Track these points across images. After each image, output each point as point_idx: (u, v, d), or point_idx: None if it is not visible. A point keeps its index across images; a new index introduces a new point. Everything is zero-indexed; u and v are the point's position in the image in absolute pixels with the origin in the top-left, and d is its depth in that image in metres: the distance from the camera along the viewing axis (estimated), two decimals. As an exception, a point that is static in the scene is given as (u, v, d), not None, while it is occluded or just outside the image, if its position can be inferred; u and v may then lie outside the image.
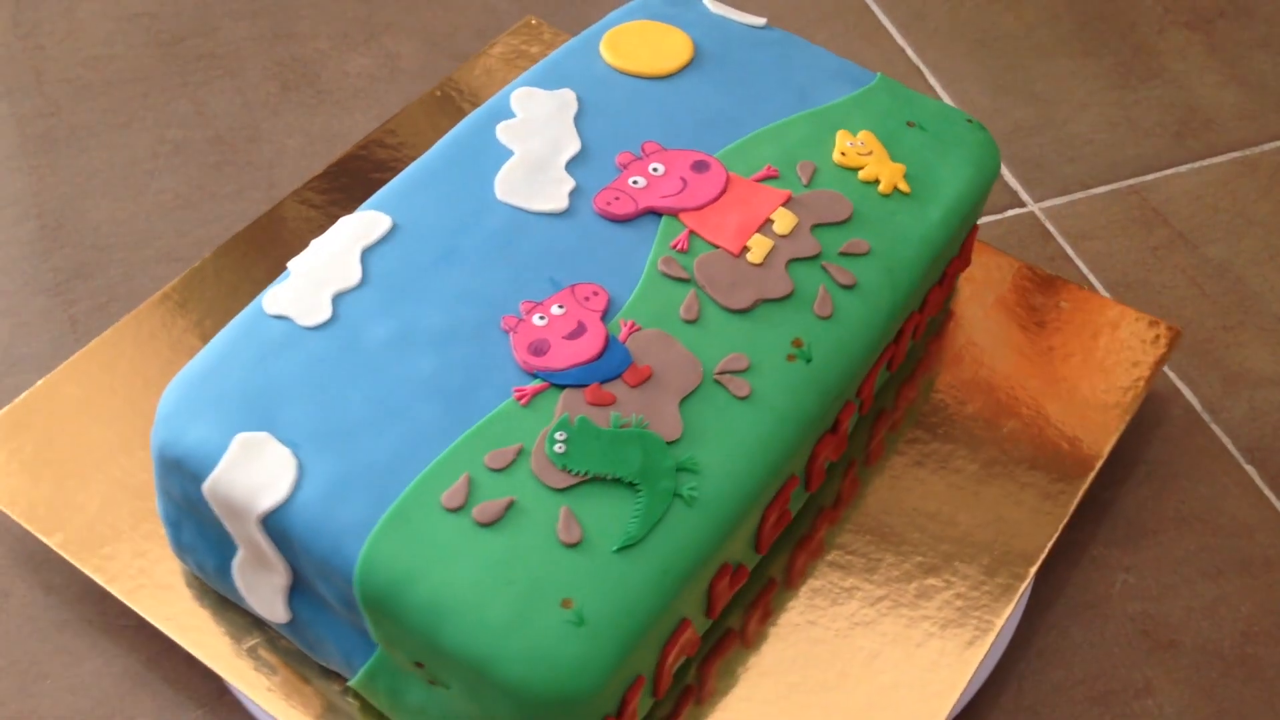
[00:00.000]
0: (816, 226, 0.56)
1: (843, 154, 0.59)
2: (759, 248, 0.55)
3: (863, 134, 0.60)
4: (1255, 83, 0.89)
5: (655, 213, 0.56)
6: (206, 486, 0.48)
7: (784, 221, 0.56)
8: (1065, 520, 0.60)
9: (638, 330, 0.52)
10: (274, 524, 0.47)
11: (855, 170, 0.59)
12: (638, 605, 0.45)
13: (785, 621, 0.55)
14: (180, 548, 0.54)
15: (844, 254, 0.56)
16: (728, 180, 0.57)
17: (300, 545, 0.47)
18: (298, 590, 0.51)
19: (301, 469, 0.47)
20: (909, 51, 0.89)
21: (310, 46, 0.86)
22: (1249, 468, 0.69)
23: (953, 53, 0.89)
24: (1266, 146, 0.85)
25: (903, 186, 0.59)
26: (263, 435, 0.48)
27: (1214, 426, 0.71)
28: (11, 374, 0.69)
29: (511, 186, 0.57)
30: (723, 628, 0.55)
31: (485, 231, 0.55)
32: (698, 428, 0.49)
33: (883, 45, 0.89)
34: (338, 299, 0.52)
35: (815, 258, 0.55)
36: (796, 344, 0.52)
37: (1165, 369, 0.73)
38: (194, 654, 0.54)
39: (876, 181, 0.59)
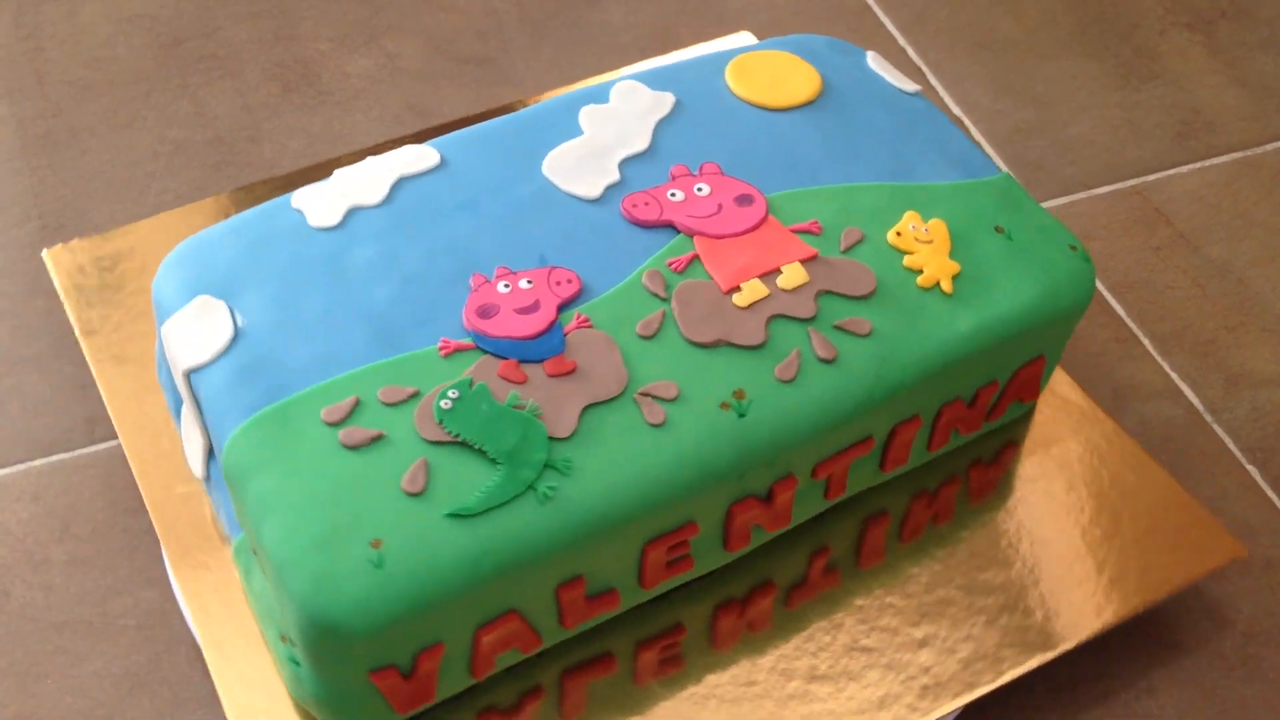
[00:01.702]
0: (826, 293, 0.54)
1: (899, 234, 0.56)
2: (750, 292, 0.53)
3: (934, 221, 0.56)
4: (1256, 84, 0.89)
5: (675, 228, 0.56)
6: (163, 330, 0.52)
7: (791, 276, 0.54)
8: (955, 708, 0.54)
9: (587, 327, 0.52)
10: (194, 382, 0.51)
11: (904, 254, 0.56)
12: (442, 572, 0.46)
13: (667, 672, 0.54)
14: (160, 383, 0.58)
15: (839, 328, 0.53)
16: (763, 221, 0.56)
17: (203, 408, 0.50)
18: (213, 454, 0.54)
19: (233, 343, 0.51)
20: (910, 53, 0.89)
21: (311, 48, 0.86)
22: (1251, 468, 0.69)
23: (954, 54, 0.89)
24: (1268, 147, 0.85)
25: (945, 286, 0.55)
26: (220, 303, 0.52)
27: (1216, 427, 0.71)
28: (12, 373, 0.69)
29: (559, 163, 0.58)
30: (600, 648, 0.54)
31: (512, 195, 0.56)
32: (592, 435, 0.49)
33: (884, 47, 0.89)
34: (352, 212, 0.55)
35: (805, 320, 0.53)
36: (737, 395, 0.50)
37: (1167, 369, 0.73)
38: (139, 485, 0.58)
39: (919, 271, 0.55)
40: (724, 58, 0.63)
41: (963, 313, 0.54)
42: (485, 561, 0.46)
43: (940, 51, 0.89)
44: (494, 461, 0.48)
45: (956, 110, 0.86)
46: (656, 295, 0.53)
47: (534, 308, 0.52)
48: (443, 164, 0.57)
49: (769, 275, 0.54)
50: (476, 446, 0.48)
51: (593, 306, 0.53)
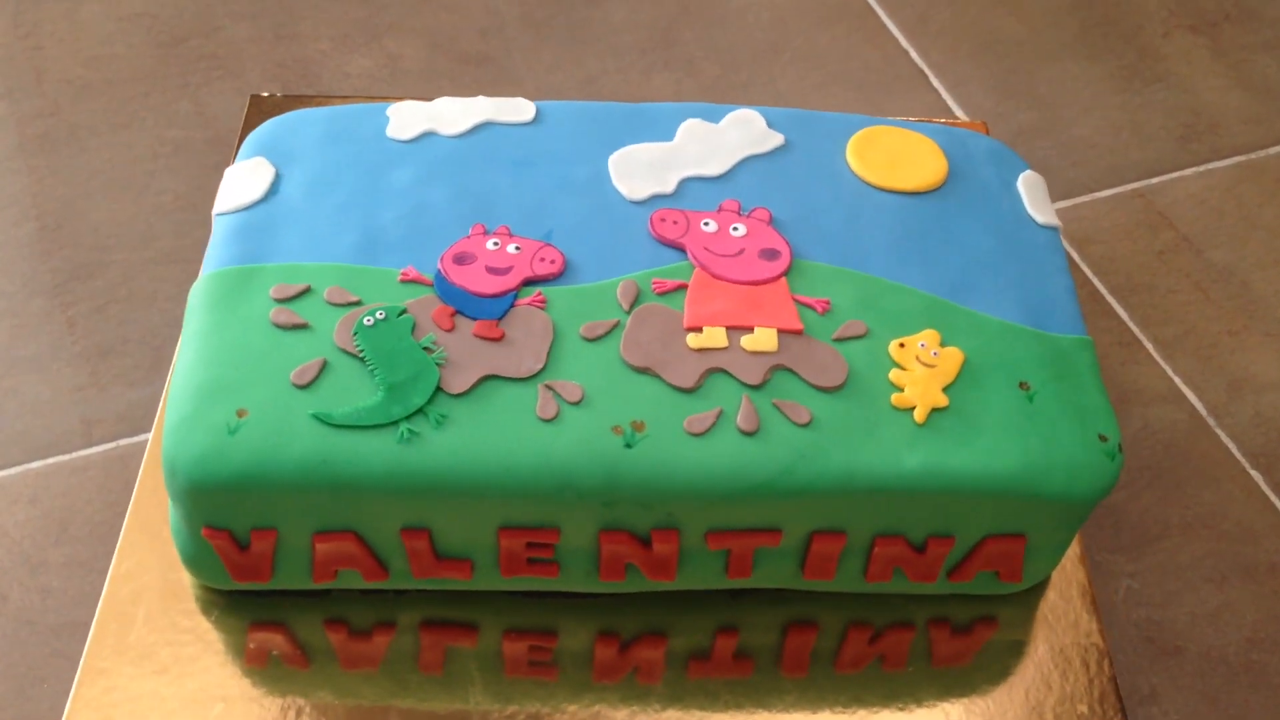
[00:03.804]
0: (786, 370, 0.51)
1: (902, 345, 0.52)
2: (708, 338, 0.52)
3: (951, 349, 0.52)
4: (1260, 86, 0.88)
5: (684, 253, 0.55)
6: (226, 171, 0.58)
7: (760, 340, 0.52)
8: None
9: (538, 307, 0.52)
10: (215, 225, 0.55)
11: (896, 366, 0.52)
12: (280, 462, 0.48)
13: (536, 675, 0.54)
14: None
15: (777, 406, 0.50)
16: (773, 279, 0.54)
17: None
18: None
19: (255, 204, 0.55)
20: (912, 54, 0.89)
21: (312, 47, 0.86)
22: (1254, 473, 0.69)
23: (957, 56, 0.89)
24: (1272, 150, 0.85)
25: (919, 415, 0.50)
26: (270, 169, 0.56)
27: (1219, 431, 0.70)
28: (10, 375, 0.69)
29: (625, 160, 0.58)
30: (466, 616, 0.54)
31: (565, 171, 0.57)
32: (482, 403, 0.50)
33: (886, 48, 0.89)
34: (427, 134, 0.58)
35: (747, 386, 0.51)
36: (635, 425, 0.50)
37: (1170, 374, 0.73)
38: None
39: (899, 390, 0.51)
40: (857, 124, 0.61)
41: (920, 449, 0.50)
42: (324, 470, 0.48)
43: (943, 53, 0.89)
44: (378, 388, 0.50)
45: (960, 113, 0.85)
46: (620, 305, 0.53)
47: (504, 271, 0.53)
48: (532, 123, 0.59)
49: (740, 331, 0.52)
50: (370, 368, 0.50)
51: (558, 291, 0.53)
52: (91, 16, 0.87)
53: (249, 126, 0.68)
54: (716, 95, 0.85)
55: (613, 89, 0.85)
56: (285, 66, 0.85)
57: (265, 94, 0.72)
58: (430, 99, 0.60)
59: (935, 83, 0.87)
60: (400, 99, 0.78)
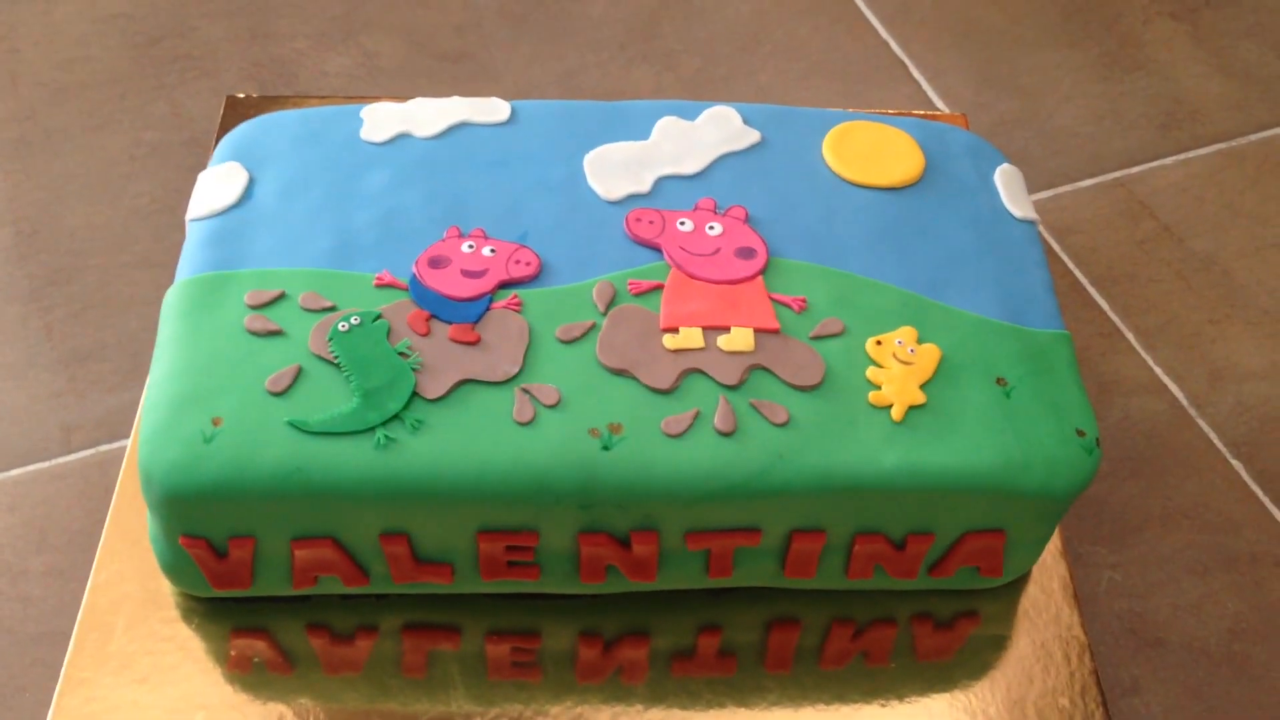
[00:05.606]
0: (763, 369, 0.51)
1: (879, 343, 0.52)
2: (685, 339, 0.52)
3: (928, 346, 0.52)
4: (1241, 72, 0.88)
5: (660, 253, 0.55)
6: (199, 176, 0.57)
7: (736, 340, 0.52)
8: None
9: (514, 310, 0.52)
10: (189, 230, 0.55)
11: (873, 364, 0.52)
12: (256, 470, 0.48)
13: (520, 676, 0.54)
14: None
15: (754, 406, 0.50)
16: (749, 278, 0.54)
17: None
18: None
19: (228, 209, 0.55)
20: (892, 44, 0.89)
21: (288, 46, 0.86)
22: (1236, 463, 0.69)
23: (937, 45, 0.89)
24: (1253, 137, 0.84)
25: (896, 413, 0.50)
26: (243, 174, 0.56)
27: (1200, 421, 0.70)
28: (-13, 383, 0.69)
29: (600, 159, 0.58)
30: (448, 619, 0.54)
31: (540, 171, 0.57)
32: (459, 407, 0.50)
33: (865, 38, 0.89)
34: (401, 136, 0.58)
35: (724, 387, 0.51)
36: (613, 428, 0.50)
37: (1151, 364, 0.73)
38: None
39: (877, 388, 0.51)
40: (833, 120, 0.61)
41: (897, 447, 0.50)
42: (300, 477, 0.48)
43: (923, 44, 0.89)
44: (353, 394, 0.50)
45: (940, 104, 0.85)
46: (596, 307, 0.53)
47: (479, 274, 0.53)
48: (507, 123, 0.59)
49: (717, 331, 0.52)
50: (346, 374, 0.50)
51: (533, 294, 0.53)
52: (66, 18, 0.86)
53: (225, 127, 0.68)
54: (697, 88, 0.85)
55: (592, 83, 0.85)
56: (262, 66, 0.84)
57: (241, 94, 0.72)
58: (408, 97, 0.59)
59: (915, 73, 0.87)
60: (378, 98, 0.78)
